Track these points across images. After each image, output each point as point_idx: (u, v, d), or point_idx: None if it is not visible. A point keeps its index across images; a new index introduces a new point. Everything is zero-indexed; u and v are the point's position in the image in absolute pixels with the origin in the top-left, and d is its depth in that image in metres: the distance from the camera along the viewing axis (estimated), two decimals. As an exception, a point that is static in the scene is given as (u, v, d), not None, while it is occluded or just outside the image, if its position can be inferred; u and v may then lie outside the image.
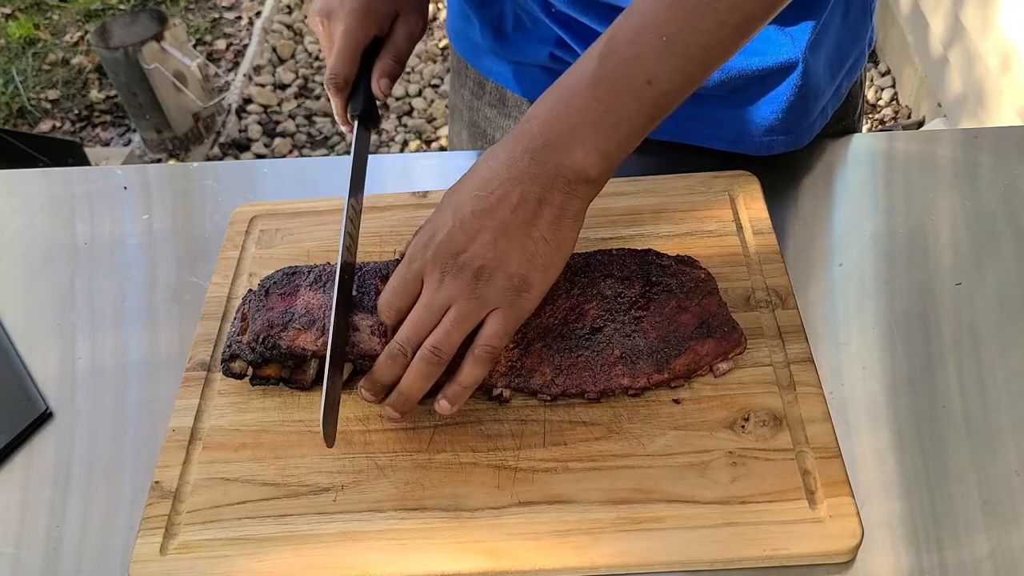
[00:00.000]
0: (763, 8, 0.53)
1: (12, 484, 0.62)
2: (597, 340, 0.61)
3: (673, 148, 0.77)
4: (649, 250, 0.66)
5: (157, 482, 0.59)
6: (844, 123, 0.83)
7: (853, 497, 0.54)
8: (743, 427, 0.58)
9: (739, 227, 0.71)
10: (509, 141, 0.56)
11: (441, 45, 2.94)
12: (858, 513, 0.54)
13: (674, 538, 0.53)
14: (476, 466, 0.58)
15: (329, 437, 0.56)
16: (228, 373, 0.62)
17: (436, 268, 0.55)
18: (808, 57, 0.71)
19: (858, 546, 0.53)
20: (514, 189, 0.55)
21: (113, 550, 0.57)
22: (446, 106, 2.67)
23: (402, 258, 0.64)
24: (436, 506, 0.56)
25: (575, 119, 0.54)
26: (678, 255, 0.66)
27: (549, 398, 0.60)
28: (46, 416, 0.65)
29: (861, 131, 0.89)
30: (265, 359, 0.61)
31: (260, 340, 0.61)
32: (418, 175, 0.84)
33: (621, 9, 0.70)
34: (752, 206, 0.72)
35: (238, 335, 0.63)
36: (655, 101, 0.54)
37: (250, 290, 0.66)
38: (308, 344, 0.61)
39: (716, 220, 0.72)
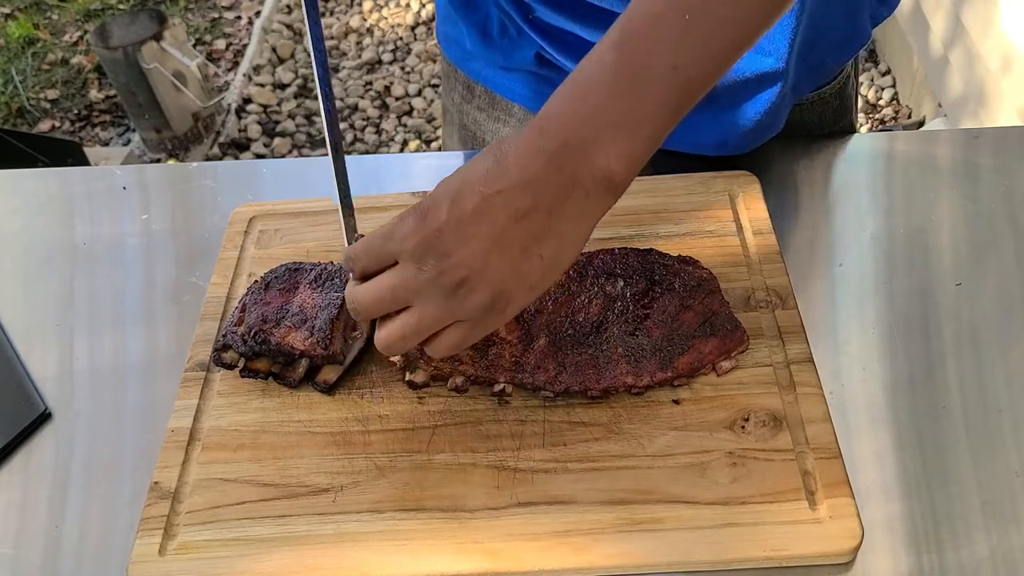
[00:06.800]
0: None
1: (11, 484, 0.62)
2: (601, 338, 0.61)
3: (658, 154, 0.76)
4: (651, 249, 0.65)
5: (156, 482, 0.59)
6: (843, 123, 0.83)
7: (853, 498, 0.54)
8: (743, 427, 0.58)
9: (739, 227, 0.71)
10: (521, 137, 0.49)
11: (441, 45, 2.94)
12: (858, 514, 0.53)
13: (674, 539, 0.53)
14: (475, 467, 0.58)
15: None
16: (218, 362, 0.63)
17: (413, 262, 0.50)
18: (794, 63, 0.70)
19: (858, 547, 0.53)
20: (523, 195, 0.48)
21: (112, 550, 0.57)
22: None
23: None
24: (435, 507, 0.56)
25: (595, 119, 0.48)
26: (679, 255, 0.66)
27: (552, 395, 0.60)
28: (45, 416, 0.65)
29: (859, 130, 0.89)
30: (256, 353, 0.62)
31: (252, 334, 0.62)
32: (418, 175, 0.84)
33: (603, 12, 0.68)
34: (752, 206, 0.72)
35: (234, 326, 0.64)
36: (682, 89, 0.48)
37: (255, 280, 0.67)
38: (297, 343, 0.62)
39: (716, 220, 0.72)
